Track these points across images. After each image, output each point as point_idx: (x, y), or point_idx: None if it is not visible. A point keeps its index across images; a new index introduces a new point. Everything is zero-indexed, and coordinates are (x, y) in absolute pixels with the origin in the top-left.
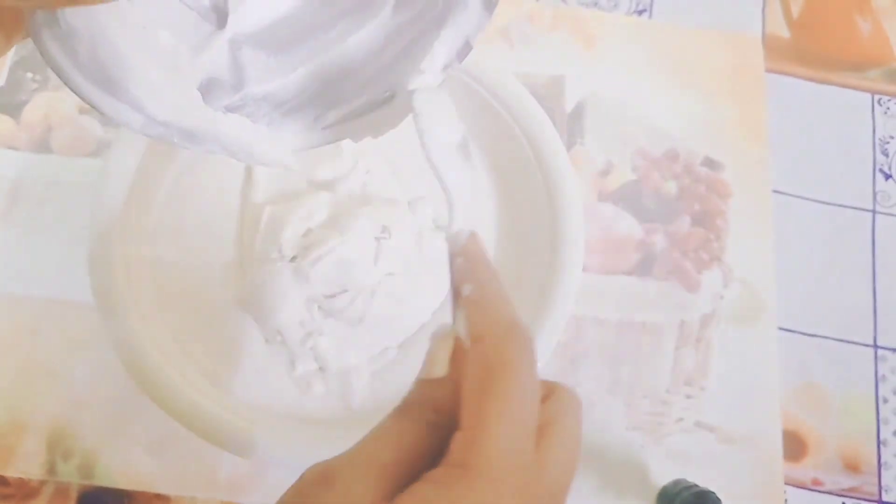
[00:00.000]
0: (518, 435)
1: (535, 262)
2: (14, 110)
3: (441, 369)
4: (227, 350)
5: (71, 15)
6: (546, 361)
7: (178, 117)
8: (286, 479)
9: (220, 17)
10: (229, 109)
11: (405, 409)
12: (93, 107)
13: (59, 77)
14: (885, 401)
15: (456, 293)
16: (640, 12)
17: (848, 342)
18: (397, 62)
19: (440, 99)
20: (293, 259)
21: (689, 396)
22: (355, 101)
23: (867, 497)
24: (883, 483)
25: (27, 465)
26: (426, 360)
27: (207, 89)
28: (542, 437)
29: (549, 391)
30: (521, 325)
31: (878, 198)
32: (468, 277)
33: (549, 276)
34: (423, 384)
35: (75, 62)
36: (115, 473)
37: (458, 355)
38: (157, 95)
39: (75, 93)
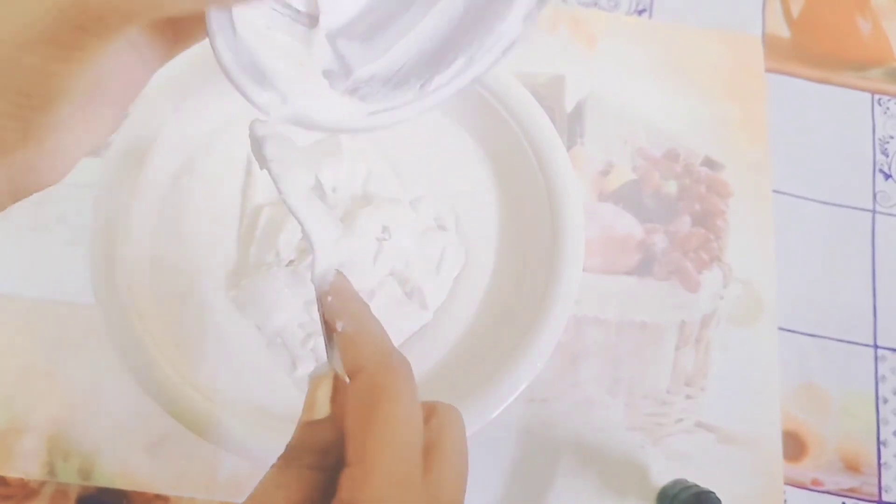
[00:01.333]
0: (405, 461)
1: (535, 263)
2: None
3: (323, 410)
4: (228, 351)
5: (237, 20)
6: (546, 361)
7: (309, 105)
8: None
9: (312, 20)
10: (348, 92)
11: (289, 456)
12: (250, 101)
13: (227, 77)
14: (885, 401)
15: (329, 331)
16: (640, 12)
17: (848, 342)
18: (482, 18)
19: (289, 145)
20: (289, 263)
21: (689, 396)
22: (452, 63)
23: (867, 497)
24: (883, 483)
25: (27, 466)
26: (306, 403)
27: (327, 78)
28: (430, 457)
29: (431, 411)
30: (396, 353)
31: (878, 198)
32: (340, 314)
33: (549, 276)
34: (306, 427)
35: (240, 64)
36: (115, 474)
37: (338, 393)
38: (295, 87)
39: (239, 90)
